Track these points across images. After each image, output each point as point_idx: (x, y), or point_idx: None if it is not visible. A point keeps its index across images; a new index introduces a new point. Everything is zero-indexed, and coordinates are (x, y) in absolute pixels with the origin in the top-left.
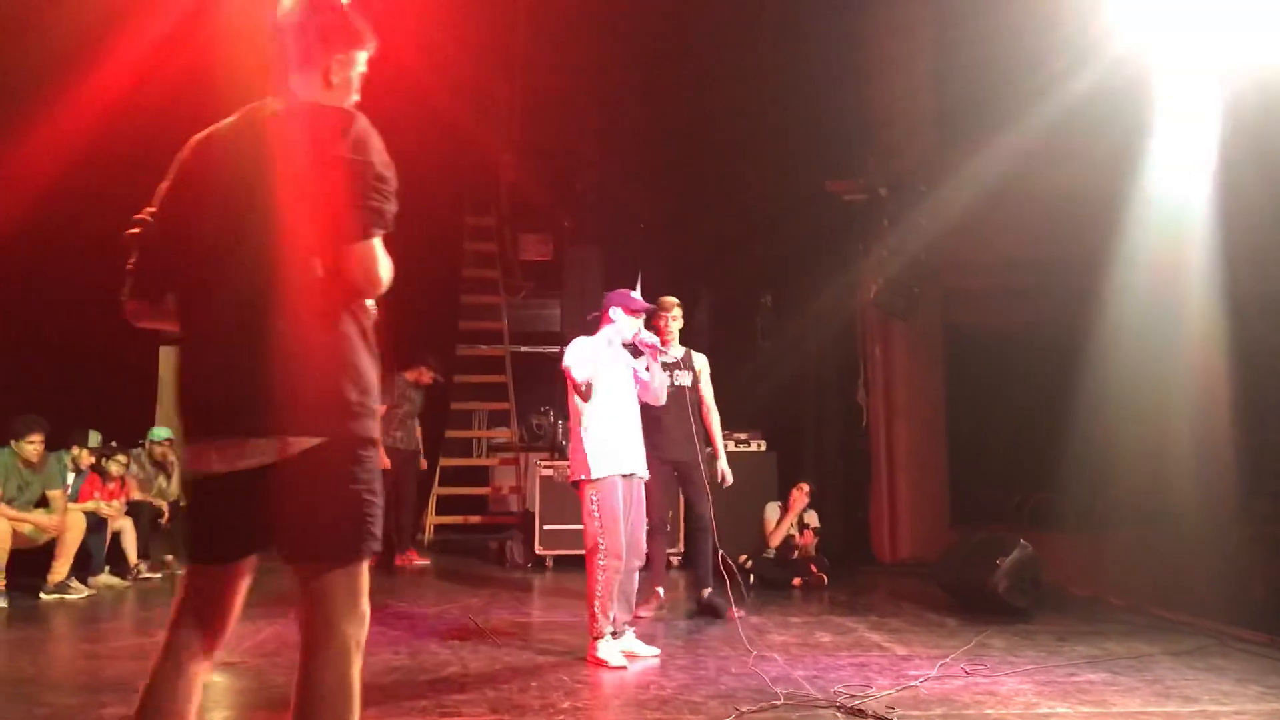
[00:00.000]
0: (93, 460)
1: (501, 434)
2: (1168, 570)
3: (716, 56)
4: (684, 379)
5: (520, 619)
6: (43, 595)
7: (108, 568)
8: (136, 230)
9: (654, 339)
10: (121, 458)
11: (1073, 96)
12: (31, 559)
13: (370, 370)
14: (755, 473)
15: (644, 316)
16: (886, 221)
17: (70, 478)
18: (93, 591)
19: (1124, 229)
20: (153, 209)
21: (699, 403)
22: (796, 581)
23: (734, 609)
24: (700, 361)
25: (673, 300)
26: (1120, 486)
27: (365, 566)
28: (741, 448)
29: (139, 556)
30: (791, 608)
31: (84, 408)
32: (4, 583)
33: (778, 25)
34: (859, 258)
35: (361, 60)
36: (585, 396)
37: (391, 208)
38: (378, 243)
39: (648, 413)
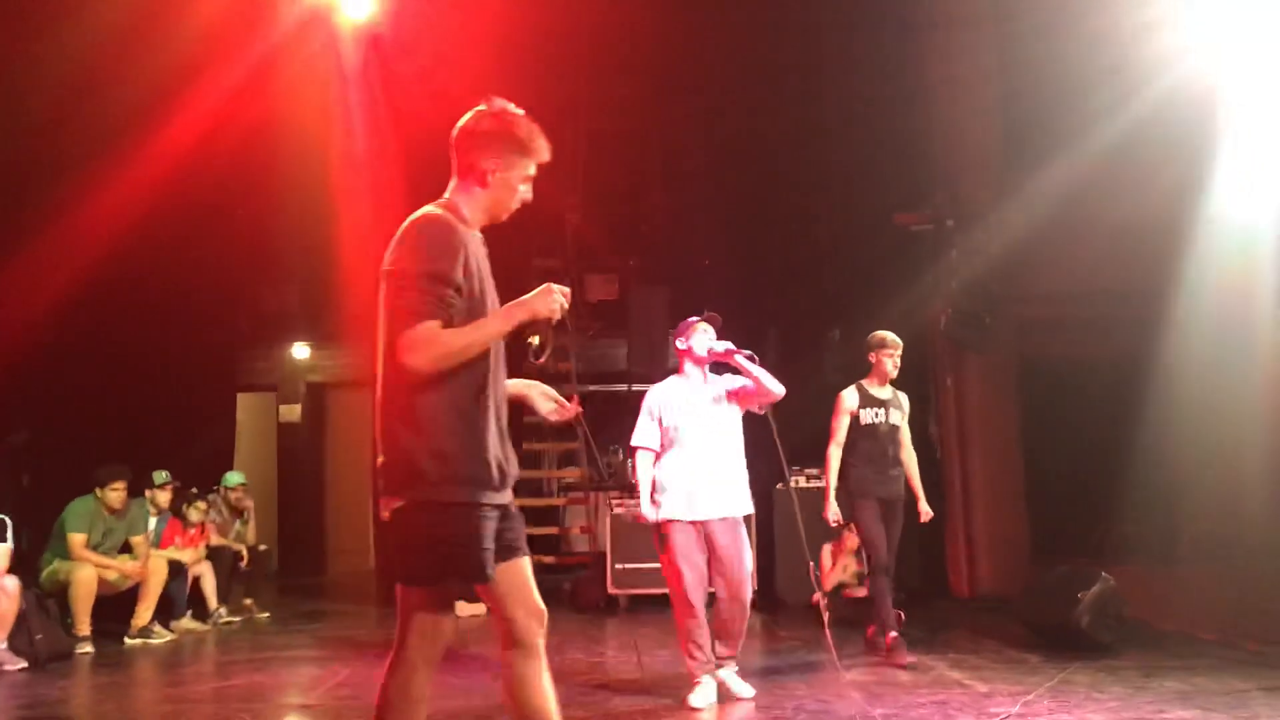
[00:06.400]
0: (169, 496)
1: (571, 473)
2: (1256, 602)
3: (778, 90)
4: (896, 418)
5: (594, 659)
6: (127, 640)
7: (189, 612)
8: None
9: (724, 344)
10: (201, 504)
11: (1138, 117)
12: (115, 604)
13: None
14: None
15: (709, 330)
16: (955, 252)
17: (151, 523)
18: (175, 636)
19: (1192, 254)
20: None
21: (901, 441)
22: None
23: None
24: (905, 402)
25: (892, 338)
26: (1203, 517)
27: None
28: (813, 484)
29: (219, 601)
30: (870, 647)
31: (162, 453)
32: (89, 628)
33: (838, 55)
34: (928, 289)
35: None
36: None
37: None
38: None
39: (860, 452)
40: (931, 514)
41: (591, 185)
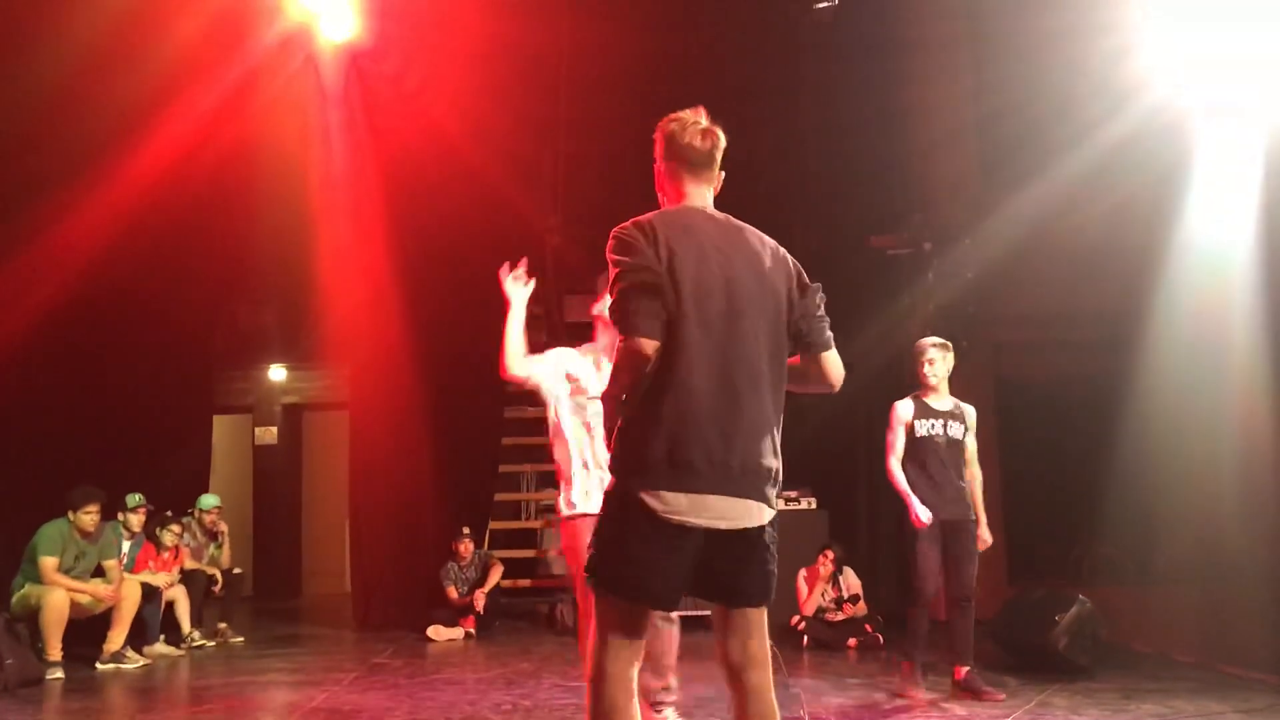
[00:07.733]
0: (142, 520)
1: (550, 495)
2: (1232, 625)
3: (756, 112)
4: (956, 431)
5: (574, 684)
6: (99, 665)
7: (162, 637)
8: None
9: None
10: (175, 527)
11: (1113, 140)
12: (87, 629)
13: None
14: (806, 531)
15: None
16: (932, 275)
17: (125, 546)
18: (148, 661)
19: (1167, 276)
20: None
21: (965, 458)
22: (852, 642)
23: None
24: (971, 414)
25: (930, 343)
26: (1179, 539)
27: None
28: (792, 506)
29: (192, 625)
30: (847, 669)
31: (136, 476)
32: (61, 653)
33: (816, 77)
34: (905, 312)
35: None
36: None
37: None
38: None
39: (918, 468)
40: (990, 541)
41: (571, 206)
